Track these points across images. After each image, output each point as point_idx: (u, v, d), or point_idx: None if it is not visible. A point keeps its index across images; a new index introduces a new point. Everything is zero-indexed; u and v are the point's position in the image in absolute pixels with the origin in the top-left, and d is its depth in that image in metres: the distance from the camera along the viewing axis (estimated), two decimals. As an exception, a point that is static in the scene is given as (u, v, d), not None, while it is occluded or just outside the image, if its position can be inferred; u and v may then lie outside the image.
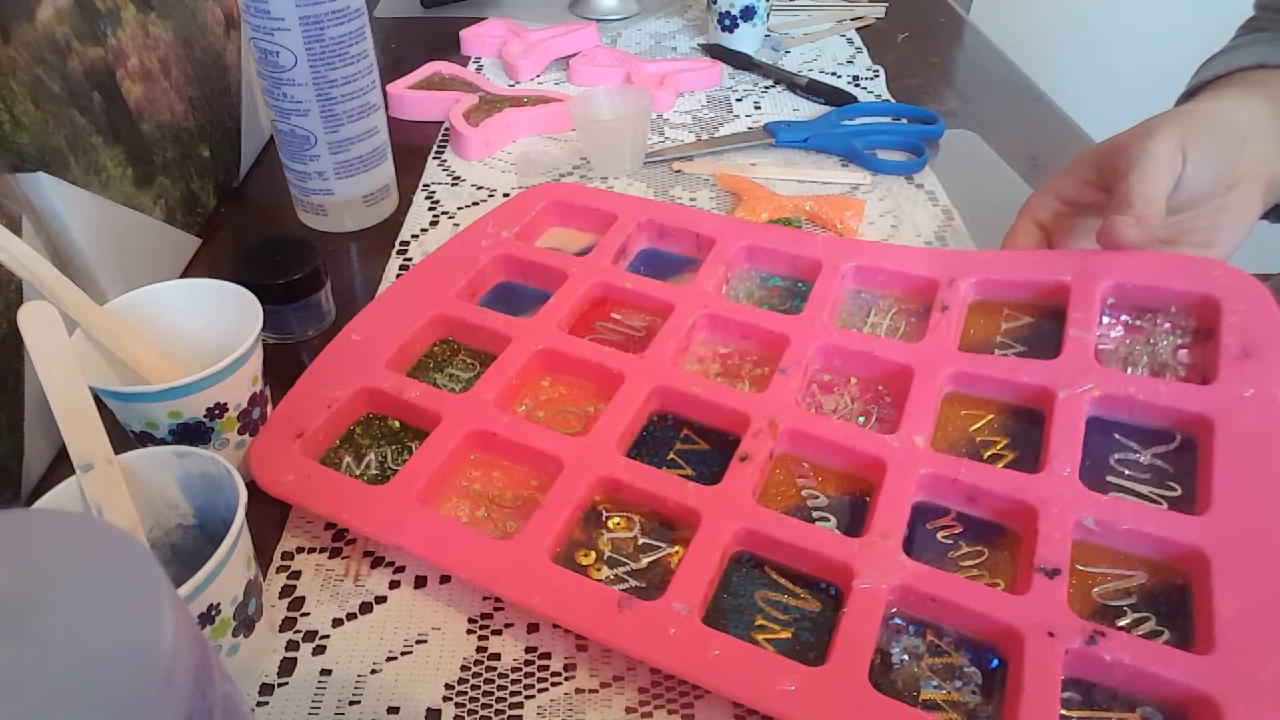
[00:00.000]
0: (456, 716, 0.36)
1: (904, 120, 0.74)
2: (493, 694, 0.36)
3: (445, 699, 0.36)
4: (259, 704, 0.36)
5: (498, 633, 0.38)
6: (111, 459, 0.35)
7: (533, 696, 0.36)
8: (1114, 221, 0.47)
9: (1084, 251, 0.50)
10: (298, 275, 0.51)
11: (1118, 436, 0.43)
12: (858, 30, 0.93)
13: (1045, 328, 0.48)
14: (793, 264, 0.54)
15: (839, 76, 0.83)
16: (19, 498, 0.43)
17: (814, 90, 0.79)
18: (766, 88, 0.82)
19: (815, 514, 0.42)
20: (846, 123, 0.73)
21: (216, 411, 0.41)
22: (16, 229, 0.44)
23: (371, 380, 0.46)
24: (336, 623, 0.39)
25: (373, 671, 0.37)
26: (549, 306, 0.51)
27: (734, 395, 0.45)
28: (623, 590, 0.38)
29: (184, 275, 0.59)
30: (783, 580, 0.39)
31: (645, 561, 0.40)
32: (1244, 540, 0.36)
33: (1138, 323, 0.47)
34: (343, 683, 0.37)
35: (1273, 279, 0.72)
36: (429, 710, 0.36)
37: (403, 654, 0.38)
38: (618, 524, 0.41)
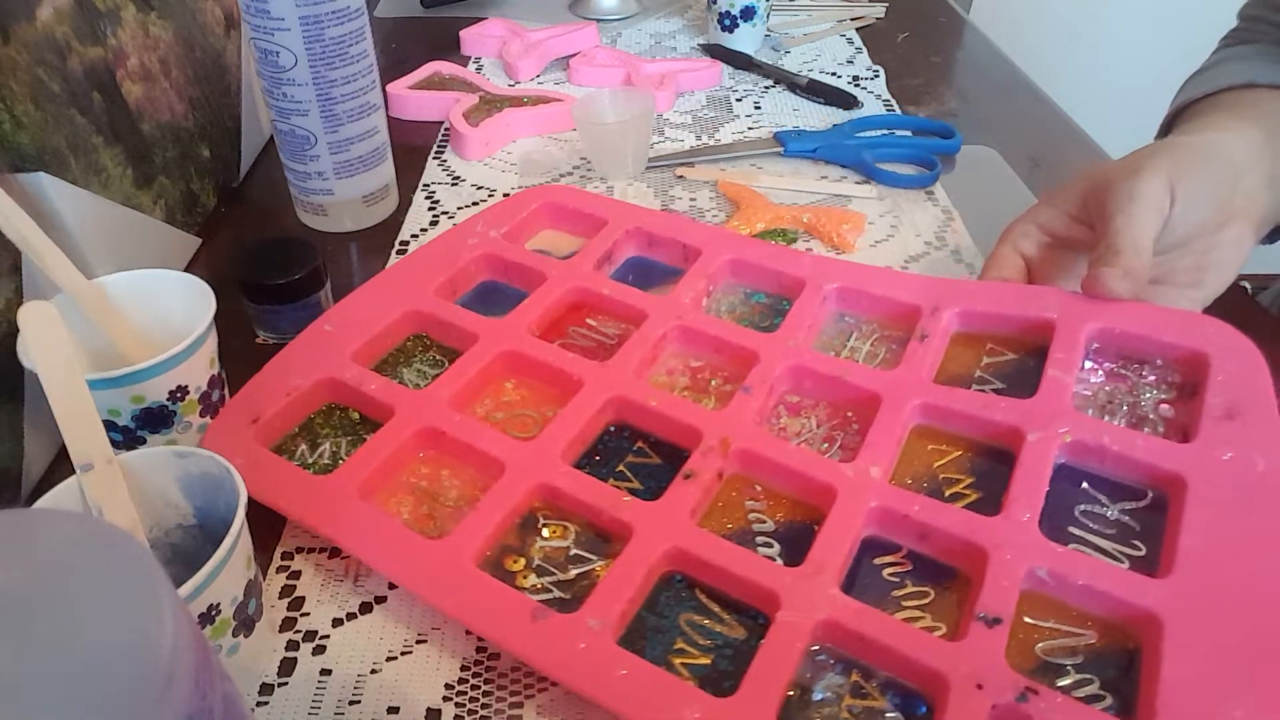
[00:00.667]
0: (456, 716, 0.36)
1: (912, 133, 0.73)
2: (492, 694, 0.36)
3: (445, 699, 0.36)
4: (259, 704, 0.36)
5: (498, 633, 0.38)
6: (111, 459, 0.35)
7: (532, 696, 0.36)
8: (1102, 274, 0.45)
9: (1074, 295, 0.47)
10: (297, 275, 0.51)
11: (1086, 487, 0.41)
12: (858, 30, 0.93)
13: (1028, 366, 0.46)
14: (777, 281, 0.53)
15: (839, 77, 0.83)
16: (19, 498, 0.43)
17: (814, 90, 0.79)
18: (767, 88, 0.82)
19: (759, 539, 0.40)
20: (859, 134, 0.72)
21: (179, 394, 0.42)
22: (16, 253, 0.44)
23: (334, 371, 0.46)
24: (336, 623, 0.39)
25: (373, 671, 0.37)
26: (521, 308, 0.51)
27: (689, 410, 0.44)
28: (545, 601, 0.37)
29: (184, 275, 0.59)
30: (711, 604, 0.38)
31: (574, 573, 0.39)
32: (1200, 610, 0.34)
33: (1122, 371, 0.45)
34: (343, 683, 0.37)
35: (1276, 282, 0.72)
36: (429, 710, 0.36)
37: (403, 654, 0.38)
38: (553, 533, 0.41)
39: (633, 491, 0.41)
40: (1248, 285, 0.68)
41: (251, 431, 0.43)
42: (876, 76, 0.83)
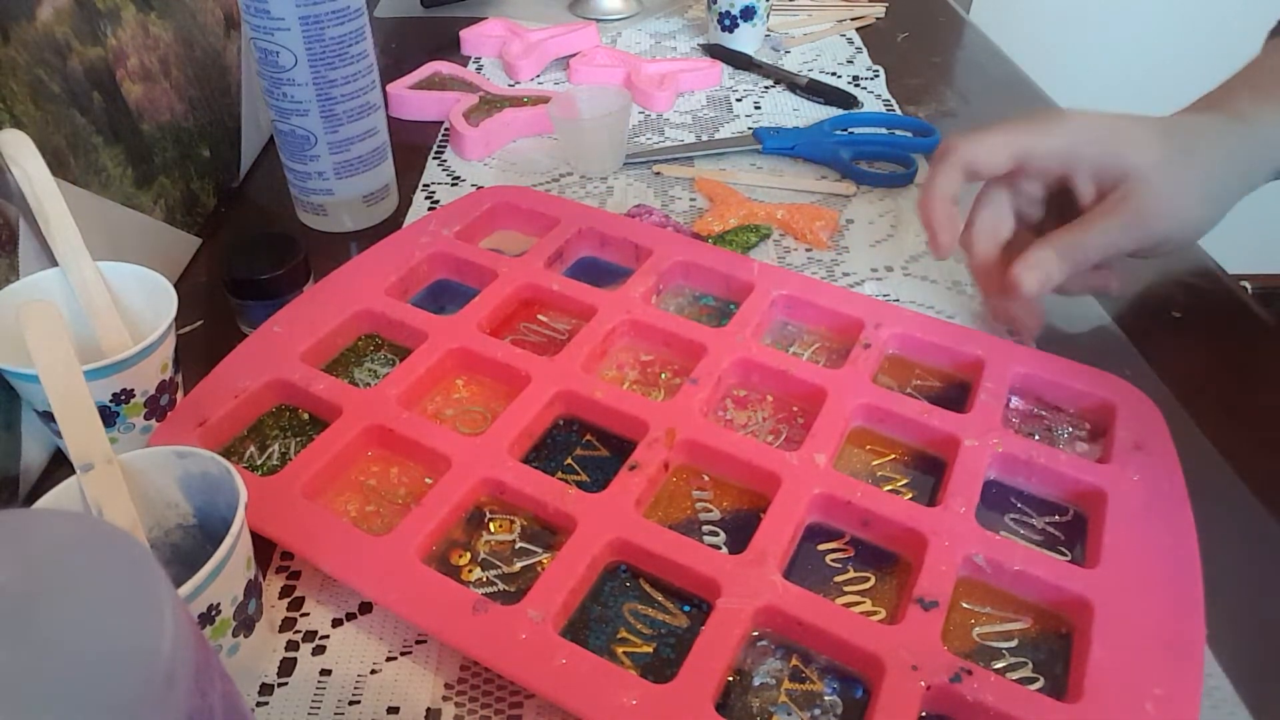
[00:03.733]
0: (456, 716, 0.36)
1: (897, 132, 0.74)
2: (492, 694, 0.36)
3: (445, 699, 0.36)
4: (259, 704, 0.36)
5: (498, 633, 0.38)
6: (111, 459, 0.35)
7: (532, 696, 0.36)
8: (1022, 275, 0.46)
9: (998, 339, 0.50)
10: (279, 270, 0.51)
11: (1014, 501, 0.43)
12: (858, 30, 0.93)
13: (951, 396, 0.48)
14: (726, 284, 0.54)
15: (839, 76, 0.83)
16: (16, 498, 0.43)
17: (814, 90, 0.79)
18: (766, 88, 0.82)
19: (705, 528, 0.41)
20: (839, 132, 0.72)
21: (122, 397, 0.42)
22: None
23: (282, 372, 0.46)
24: (336, 623, 0.39)
25: (373, 671, 0.37)
26: (471, 306, 0.51)
27: (636, 402, 0.45)
28: (489, 594, 0.37)
29: (184, 275, 0.59)
30: (655, 594, 0.38)
31: (518, 566, 0.39)
32: (1125, 598, 0.37)
33: (1040, 412, 0.47)
34: (343, 683, 0.37)
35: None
36: (429, 710, 0.36)
37: (403, 654, 0.38)
38: (499, 526, 0.41)
39: (580, 484, 0.42)
40: (1248, 285, 0.68)
41: (198, 434, 0.43)
42: (876, 76, 0.83)
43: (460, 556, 0.40)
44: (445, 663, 0.37)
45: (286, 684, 0.37)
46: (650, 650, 0.36)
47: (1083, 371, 0.48)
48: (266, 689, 0.36)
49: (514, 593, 0.38)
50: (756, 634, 0.37)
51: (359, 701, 0.36)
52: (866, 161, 0.70)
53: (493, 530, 0.41)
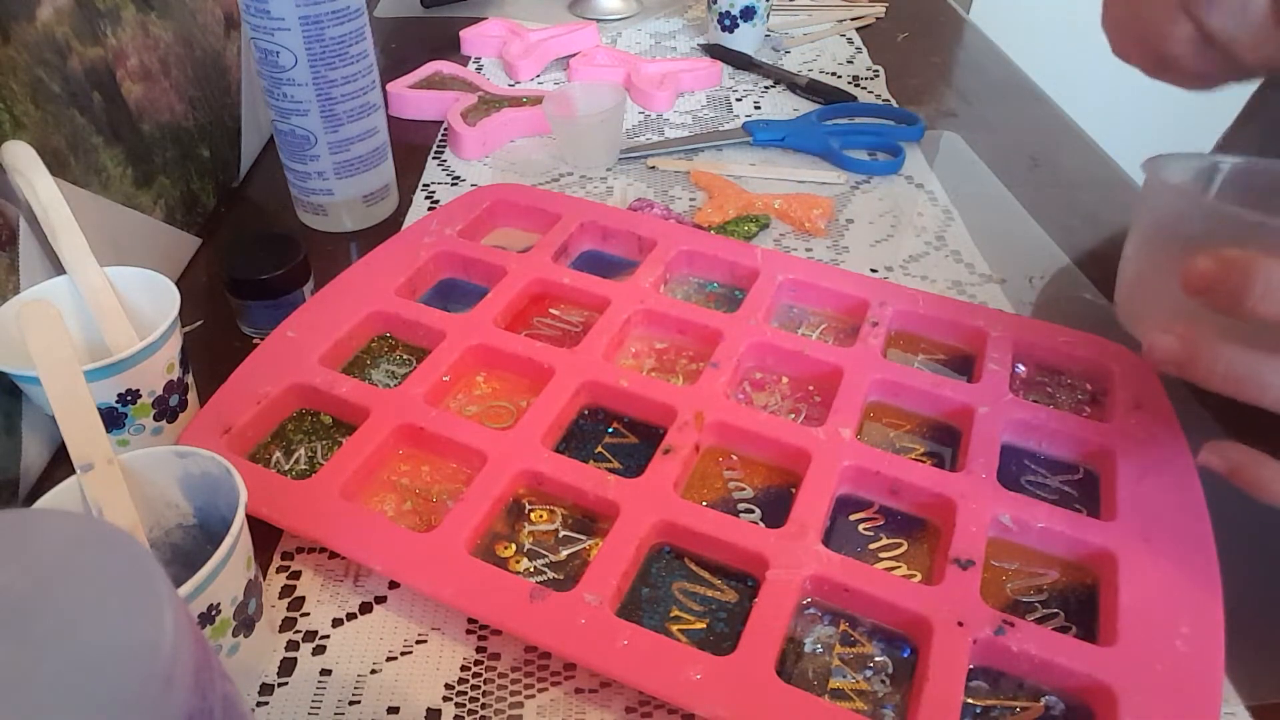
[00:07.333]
0: (456, 716, 0.36)
1: (882, 121, 0.75)
2: (493, 694, 0.36)
3: (445, 699, 0.36)
4: (259, 704, 0.36)
5: (497, 633, 0.38)
6: (111, 459, 0.35)
7: (533, 696, 0.36)
8: None
9: (998, 311, 0.52)
10: (278, 271, 0.51)
11: (1028, 463, 0.45)
12: (858, 30, 0.93)
13: (956, 368, 0.50)
14: (731, 271, 0.55)
15: (839, 76, 0.83)
16: (16, 498, 0.43)
17: (814, 90, 0.79)
18: (766, 88, 0.82)
19: (740, 506, 0.42)
20: (826, 123, 0.73)
21: (129, 397, 0.41)
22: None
23: (302, 376, 0.46)
24: (336, 623, 0.39)
25: (373, 671, 0.37)
26: (485, 302, 0.51)
27: (661, 388, 0.46)
28: (540, 582, 0.38)
29: (184, 275, 0.59)
30: (701, 572, 0.40)
31: (564, 554, 0.40)
32: (1147, 546, 0.39)
33: (1040, 379, 0.49)
34: (343, 683, 0.37)
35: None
36: (429, 710, 0.36)
37: (403, 654, 0.38)
38: (540, 517, 0.42)
39: (613, 471, 0.43)
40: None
41: (225, 442, 0.43)
42: (876, 76, 0.83)
43: (505, 548, 0.40)
44: (445, 663, 0.37)
45: (286, 684, 0.37)
46: (703, 626, 0.38)
47: (1079, 338, 0.50)
48: (266, 689, 0.36)
49: (564, 580, 0.39)
50: (805, 602, 0.38)
51: (359, 701, 0.36)
52: (856, 150, 0.71)
53: (534, 520, 0.42)
